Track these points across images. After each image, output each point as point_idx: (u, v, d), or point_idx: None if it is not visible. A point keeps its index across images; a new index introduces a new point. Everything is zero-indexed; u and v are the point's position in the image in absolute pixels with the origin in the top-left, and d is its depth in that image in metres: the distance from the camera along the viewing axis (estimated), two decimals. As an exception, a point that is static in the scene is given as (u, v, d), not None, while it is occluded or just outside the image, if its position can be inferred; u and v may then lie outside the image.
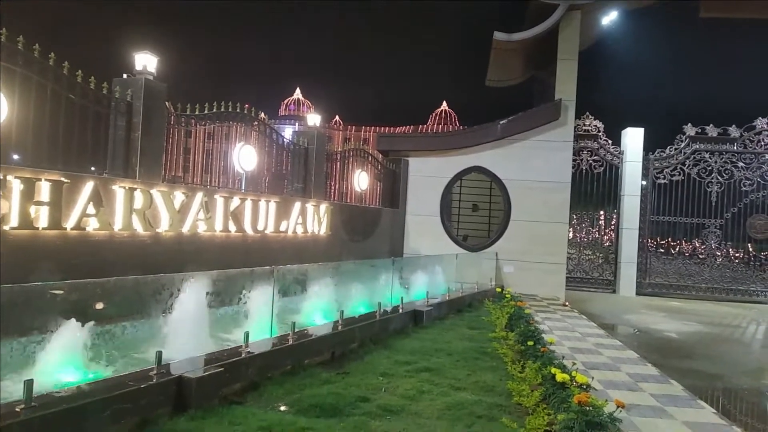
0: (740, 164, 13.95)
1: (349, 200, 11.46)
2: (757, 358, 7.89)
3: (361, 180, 11.41)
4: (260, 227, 7.88)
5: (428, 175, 12.55)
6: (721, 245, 14.23)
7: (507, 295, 9.02)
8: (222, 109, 8.03)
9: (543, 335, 6.77)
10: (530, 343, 5.76)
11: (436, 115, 45.98)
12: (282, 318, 5.33)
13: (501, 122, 12.40)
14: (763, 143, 13.91)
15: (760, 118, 13.97)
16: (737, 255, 14.41)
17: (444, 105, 45.38)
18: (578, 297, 12.60)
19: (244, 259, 7.40)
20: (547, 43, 12.55)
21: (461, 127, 34.36)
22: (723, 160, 14.00)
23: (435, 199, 12.50)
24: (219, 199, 7.22)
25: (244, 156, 8.23)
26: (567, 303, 10.97)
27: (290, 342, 4.94)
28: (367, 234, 11.04)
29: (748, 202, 13.94)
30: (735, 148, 13.98)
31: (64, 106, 5.87)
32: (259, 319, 5.15)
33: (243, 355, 4.39)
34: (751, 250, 14.62)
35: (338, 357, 5.50)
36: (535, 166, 12.24)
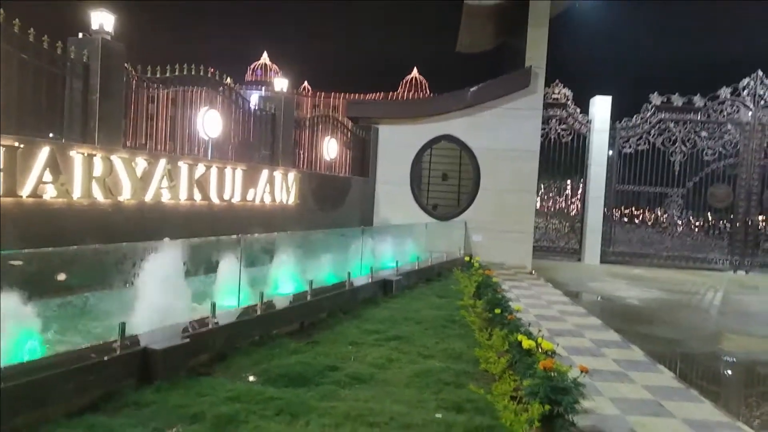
0: (703, 134, 14.22)
1: (318, 169, 11.30)
2: (713, 323, 8.19)
3: (330, 148, 11.26)
4: (227, 196, 7.71)
5: (398, 144, 12.45)
6: (683, 214, 14.61)
7: (475, 264, 9.11)
8: (185, 73, 7.75)
9: (510, 303, 6.87)
10: (497, 311, 5.83)
11: (407, 82, 45.44)
12: (250, 288, 5.26)
13: (471, 89, 12.32)
14: (725, 113, 14.17)
15: (724, 87, 14.19)
16: (698, 224, 14.85)
17: (415, 72, 44.80)
18: (545, 265, 12.84)
19: (210, 228, 7.25)
20: (519, 9, 12.43)
21: (432, 95, 34.09)
22: (687, 129, 14.25)
23: (405, 168, 12.45)
24: (183, 167, 7.02)
25: (209, 122, 7.99)
26: (534, 271, 11.18)
27: (258, 312, 4.88)
28: (337, 203, 10.95)
29: (710, 171, 14.27)
30: (699, 117, 14.22)
31: (16, 67, 5.56)
32: (227, 290, 5.07)
33: (210, 326, 4.32)
34: (711, 219, 15.07)
35: (307, 327, 5.48)
36: (504, 134, 12.25)
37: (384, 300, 7.20)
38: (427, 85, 44.96)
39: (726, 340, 7.05)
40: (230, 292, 5.04)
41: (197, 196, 7.25)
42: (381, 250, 8.68)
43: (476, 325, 5.88)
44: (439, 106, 12.68)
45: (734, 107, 14.16)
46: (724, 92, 14.17)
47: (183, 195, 7.02)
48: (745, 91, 14.11)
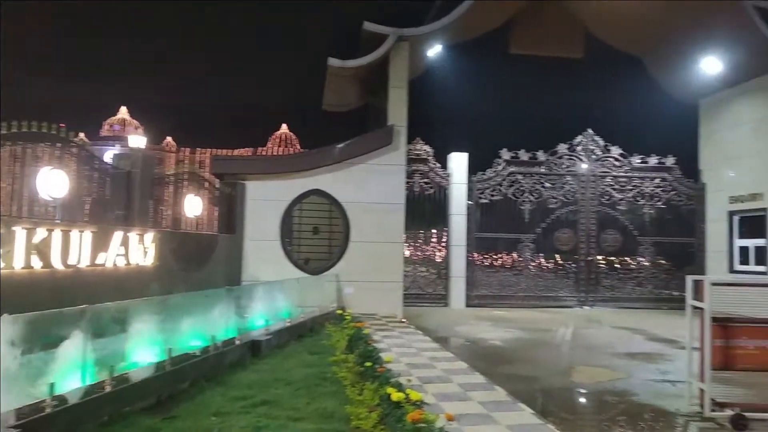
0: (547, 184, 15.78)
1: (181, 227, 10.77)
2: (565, 358, 8.87)
3: (194, 205, 10.82)
4: (73, 261, 7.03)
5: (267, 199, 12.31)
6: (535, 257, 15.91)
7: (347, 317, 9.11)
8: (27, 129, 7.09)
9: (381, 354, 6.93)
10: (368, 364, 5.85)
11: (277, 137, 45.44)
12: (99, 363, 4.78)
13: (338, 146, 12.65)
14: (564, 166, 15.89)
15: (562, 144, 15.97)
16: (548, 265, 16.24)
17: (284, 128, 44.98)
18: (415, 312, 13.18)
19: (54, 297, 6.52)
20: (380, 70, 13.15)
21: (302, 150, 34.40)
22: (533, 181, 15.73)
23: (275, 224, 12.30)
24: (20, 231, 6.32)
25: (53, 181, 7.33)
26: (405, 319, 11.42)
27: (107, 389, 4.44)
28: (202, 262, 10.46)
29: (555, 217, 15.78)
30: (543, 170, 15.79)
31: None
32: (71, 367, 4.55)
33: (48, 410, 3.83)
34: (559, 260, 16.61)
35: (166, 400, 5.07)
36: (371, 188, 12.65)
37: (253, 362, 6.91)
38: (296, 140, 45.16)
39: (577, 372, 7.65)
40: (74, 369, 4.53)
41: (37, 263, 6.53)
42: (250, 310, 8.37)
43: (348, 380, 5.84)
44: (308, 162, 12.82)
45: (571, 161, 15.95)
46: (562, 148, 15.94)
47: (19, 263, 6.29)
48: (579, 147, 16.00)
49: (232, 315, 7.47)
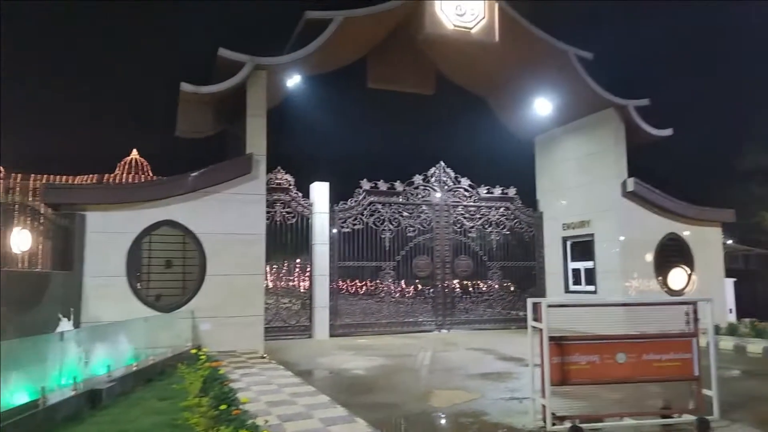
0: (405, 213, 16.40)
1: (5, 265, 9.49)
2: (424, 383, 9.14)
3: (21, 240, 9.61)
4: None
5: (112, 232, 11.30)
6: (395, 284, 16.37)
7: (202, 357, 8.59)
8: None
9: (239, 394, 6.61)
10: (223, 406, 5.53)
11: (126, 164, 42.17)
12: None
13: (193, 174, 12.04)
14: (420, 196, 16.65)
15: (418, 175, 16.74)
16: (408, 291, 16.79)
17: (134, 153, 41.93)
18: (278, 346, 12.83)
19: None
20: (237, 98, 12.84)
21: (154, 178, 32.26)
22: (392, 210, 16.27)
23: (120, 258, 11.30)
24: None
25: None
26: (266, 355, 11.04)
27: None
28: (31, 304, 9.28)
29: (413, 245, 16.41)
30: (400, 200, 16.40)
31: None
32: None
33: None
34: (418, 286, 17.28)
35: (-23, 470, 4.35)
36: (229, 219, 12.19)
37: (92, 414, 6.21)
38: (148, 167, 42.27)
39: (435, 396, 7.91)
40: None
41: None
42: (90, 354, 7.55)
43: (201, 426, 5.44)
44: (158, 191, 12.02)
45: (426, 191, 16.77)
46: (418, 179, 16.71)
47: None
48: (433, 178, 16.89)
49: (68, 361, 6.68)
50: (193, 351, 9.71)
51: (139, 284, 11.78)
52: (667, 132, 15.94)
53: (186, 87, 11.92)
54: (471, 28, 14.15)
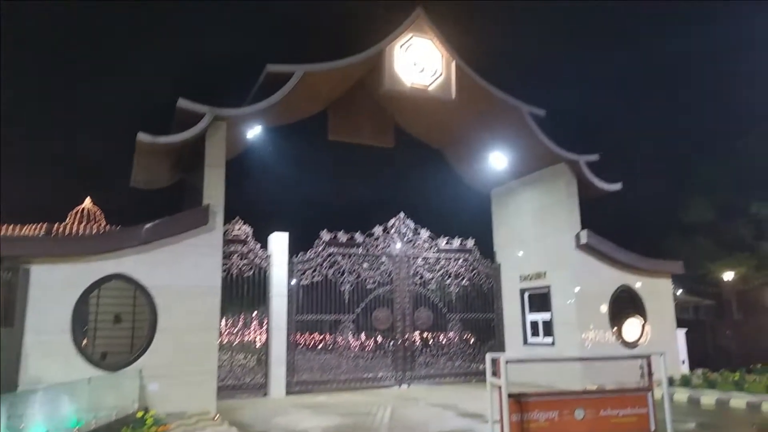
0: (365, 265, 16.31)
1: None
2: (383, 441, 8.86)
3: (-43, 295, 9.06)
4: None
5: (58, 286, 10.78)
6: (355, 337, 16.08)
7: (149, 420, 8.13)
8: None
9: (186, 461, 6.24)
10: (168, 476, 5.19)
11: (77, 213, 40.70)
12: None
13: (147, 225, 11.71)
14: (380, 247, 16.64)
15: (377, 226, 16.78)
16: (367, 345, 16.49)
17: (87, 202, 40.70)
18: (231, 406, 12.31)
19: None
20: (196, 148, 12.73)
21: (107, 228, 31.32)
22: (352, 262, 16.16)
23: (66, 314, 10.74)
24: None
25: None
26: (218, 416, 10.55)
27: None
28: (-37, 365, 8.66)
29: (373, 297, 16.26)
30: (360, 251, 16.34)
31: None
32: None
33: None
34: (377, 339, 17.00)
35: None
36: (184, 271, 11.84)
37: (23, 488, 5.72)
38: (102, 216, 41.03)
39: (394, 457, 7.66)
40: None
41: None
42: (27, 420, 7.04)
43: (143, 498, 5.10)
44: (109, 243, 11.61)
45: (386, 242, 16.78)
46: (378, 230, 16.75)
47: None
48: (393, 229, 16.95)
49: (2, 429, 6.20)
50: (140, 414, 9.18)
51: (84, 341, 11.19)
52: (617, 186, 16.57)
53: (143, 137, 11.75)
54: (428, 85, 14.60)
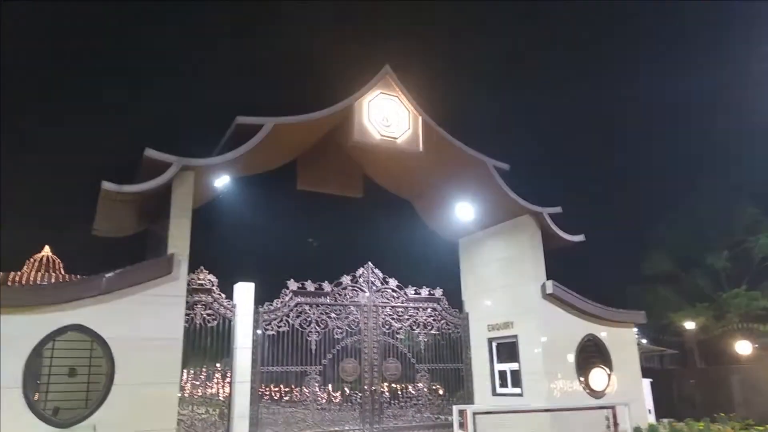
0: (333, 315, 16.10)
1: None
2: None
3: None
4: None
5: (9, 338, 10.33)
6: (322, 389, 15.71)
7: (101, 480, 7.71)
8: None
9: None
10: None
11: (36, 261, 39.37)
12: None
13: (107, 275, 11.43)
14: (348, 297, 16.51)
15: (345, 275, 16.70)
16: (334, 397, 16.11)
17: (46, 250, 39.46)
18: (190, 463, 11.76)
19: None
20: (162, 197, 12.64)
21: (67, 277, 30.27)
22: (320, 311, 15.95)
23: (17, 367, 10.27)
24: None
25: None
26: (176, 474, 10.07)
27: None
28: None
29: (341, 348, 16.00)
30: (328, 300, 16.18)
31: None
32: None
33: None
34: (346, 391, 16.63)
35: None
36: (145, 322, 11.52)
37: None
38: (61, 265, 39.75)
39: None
40: None
41: None
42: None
43: None
44: (67, 293, 11.27)
45: (355, 291, 16.67)
46: (346, 279, 16.66)
47: None
48: (361, 279, 16.87)
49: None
50: (92, 473, 8.71)
51: (36, 395, 10.67)
52: (579, 238, 17.00)
53: (108, 186, 11.62)
54: (396, 138, 14.96)
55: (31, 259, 42.73)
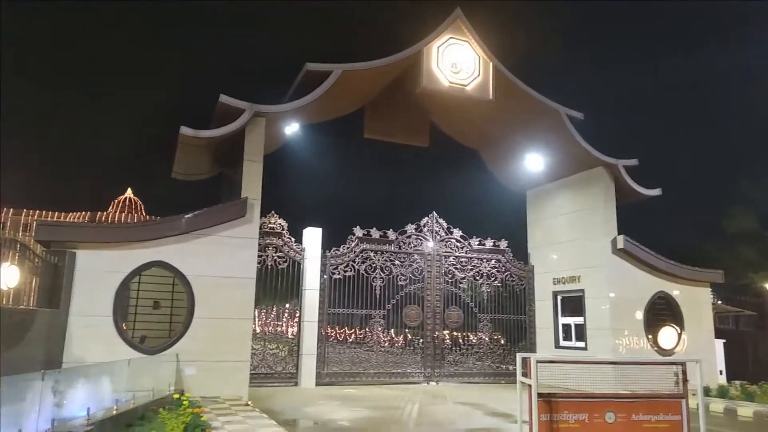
0: (397, 262, 16.39)
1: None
2: (411, 435, 8.95)
3: (9, 276, 9.53)
4: None
5: (101, 271, 11.22)
6: (385, 333, 16.20)
7: (185, 402, 8.40)
8: None
9: (220, 443, 6.45)
10: (204, 455, 5.39)
11: (119, 202, 42.02)
12: None
13: (186, 216, 12.08)
14: (412, 245, 16.69)
15: (410, 224, 16.84)
16: (397, 341, 16.59)
17: (129, 192, 41.96)
18: (262, 394, 12.57)
19: None
20: (235, 143, 13.05)
21: (148, 218, 32.22)
22: (384, 258, 16.27)
23: (108, 298, 11.18)
24: None
25: None
26: (250, 402, 10.80)
27: None
28: (12, 341, 9.10)
29: (404, 294, 16.34)
30: (392, 248, 16.43)
31: None
32: None
33: None
34: (408, 336, 17.09)
35: None
36: (221, 262, 12.15)
37: (67, 460, 6.01)
38: (142, 207, 42.18)
39: (421, 451, 7.74)
40: None
41: None
42: (70, 397, 7.37)
43: (180, 475, 5.31)
44: (151, 232, 12.02)
45: (419, 240, 16.83)
46: (410, 228, 16.81)
47: None
48: (426, 228, 16.98)
49: (47, 403, 6.52)
50: (176, 396, 9.48)
51: (124, 325, 11.62)
52: (656, 192, 16.24)
53: (186, 131, 12.10)
54: (466, 85, 14.59)
55: (116, 201, 45.51)
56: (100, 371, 8.32)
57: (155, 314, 12.67)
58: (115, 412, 7.89)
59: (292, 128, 14.52)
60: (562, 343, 16.78)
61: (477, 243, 17.50)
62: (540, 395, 5.94)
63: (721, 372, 16.72)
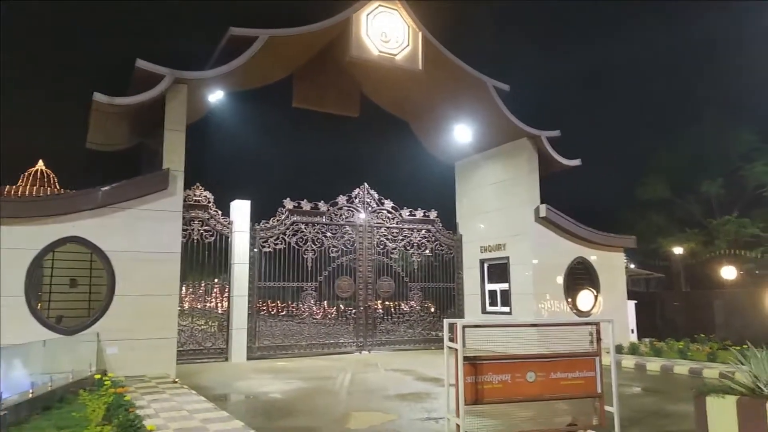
0: (328, 234, 16.34)
1: None
2: (343, 405, 9.08)
3: None
4: None
5: (9, 248, 10.46)
6: (317, 305, 16.20)
7: (107, 382, 8.08)
8: None
9: (145, 422, 6.28)
10: (127, 435, 5.23)
11: (30, 175, 39.18)
12: None
13: (103, 188, 11.43)
14: (344, 217, 16.67)
15: (341, 195, 16.77)
16: (329, 312, 16.65)
17: (40, 164, 39.21)
18: (191, 370, 12.31)
19: None
20: (155, 111, 12.39)
21: (62, 191, 30.23)
22: (315, 230, 16.16)
23: (19, 277, 10.47)
24: None
25: None
26: (178, 379, 10.55)
27: None
28: None
29: (336, 266, 16.34)
30: (324, 220, 16.34)
31: None
32: None
33: None
34: (341, 307, 17.19)
35: None
36: (142, 236, 11.64)
37: (-24, 449, 5.66)
38: (56, 179, 39.60)
39: (353, 418, 7.87)
40: None
41: None
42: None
43: (101, 457, 5.12)
44: (64, 205, 11.29)
45: (350, 211, 16.81)
46: (342, 199, 16.74)
47: None
48: (357, 199, 16.97)
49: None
50: (98, 376, 9.11)
51: (39, 305, 10.97)
52: (576, 162, 16.96)
53: (99, 97, 11.35)
54: (395, 55, 14.52)
55: (26, 173, 42.46)
56: (11, 354, 7.83)
57: (73, 292, 12.05)
58: (30, 395, 7.51)
59: (216, 96, 13.97)
60: (489, 308, 17.43)
61: (408, 214, 17.70)
62: (466, 359, 6.14)
63: (633, 331, 17.97)
